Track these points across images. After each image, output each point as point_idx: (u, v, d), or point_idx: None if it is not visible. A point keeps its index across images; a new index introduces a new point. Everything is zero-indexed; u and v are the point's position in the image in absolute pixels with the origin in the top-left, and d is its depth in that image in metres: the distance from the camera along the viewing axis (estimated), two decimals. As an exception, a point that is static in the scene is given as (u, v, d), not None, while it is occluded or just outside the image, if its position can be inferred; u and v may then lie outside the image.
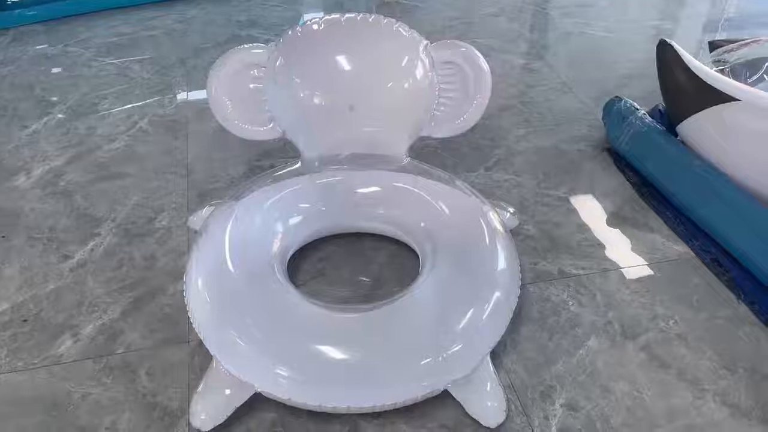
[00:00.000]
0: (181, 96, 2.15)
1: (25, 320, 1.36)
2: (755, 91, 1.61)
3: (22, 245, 1.55)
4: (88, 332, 1.33)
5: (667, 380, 1.25)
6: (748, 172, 1.58)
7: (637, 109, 1.86)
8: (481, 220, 1.37)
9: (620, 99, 1.91)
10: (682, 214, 1.65)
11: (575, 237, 1.60)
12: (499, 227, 1.37)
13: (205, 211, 1.53)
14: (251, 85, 1.44)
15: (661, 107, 1.91)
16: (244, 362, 1.15)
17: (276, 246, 1.37)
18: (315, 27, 1.40)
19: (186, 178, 1.77)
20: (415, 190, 1.42)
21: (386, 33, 1.39)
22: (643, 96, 2.04)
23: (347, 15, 1.39)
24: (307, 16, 2.75)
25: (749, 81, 1.80)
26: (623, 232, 1.62)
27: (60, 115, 2.08)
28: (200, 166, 1.82)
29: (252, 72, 1.43)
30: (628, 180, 1.79)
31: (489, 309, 1.22)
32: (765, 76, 1.79)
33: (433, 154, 1.84)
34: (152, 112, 2.06)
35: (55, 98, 2.18)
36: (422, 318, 1.19)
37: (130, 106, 2.11)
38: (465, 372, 1.16)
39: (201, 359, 1.26)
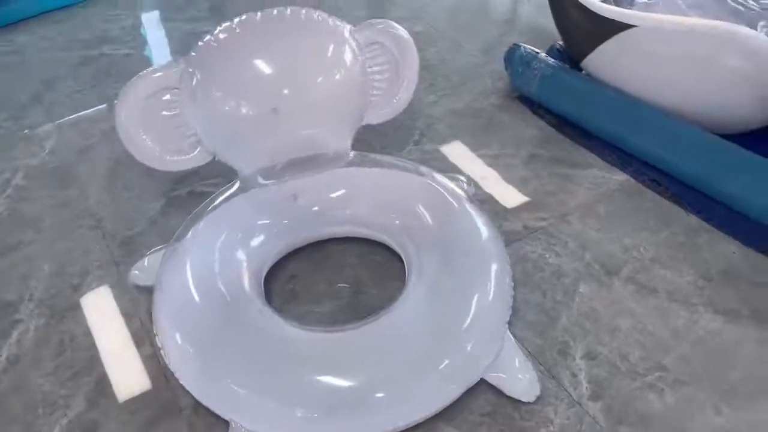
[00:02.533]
0: (52, 138, 1.87)
1: (-31, 445, 1.12)
2: (649, 15, 1.69)
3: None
4: (56, 438, 1.13)
5: (660, 305, 1.31)
6: (658, 92, 1.67)
7: (538, 53, 1.90)
8: (452, 199, 1.32)
9: (519, 46, 1.94)
10: (608, 144, 1.72)
11: (525, 190, 1.61)
12: (468, 200, 1.34)
13: (148, 262, 1.35)
14: (166, 112, 1.27)
15: (558, 46, 1.97)
16: (265, 415, 1.03)
17: (246, 274, 1.24)
18: (228, 32, 1.24)
19: (97, 229, 1.54)
20: (377, 182, 1.34)
21: (308, 25, 1.27)
22: (534, 38, 2.09)
23: (261, 13, 1.25)
24: (150, 19, 2.49)
25: (632, 6, 1.89)
26: (564, 173, 1.65)
27: None
28: (109, 212, 1.59)
29: (165, 97, 1.26)
30: (548, 123, 1.83)
31: (492, 284, 1.19)
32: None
33: (358, 142, 1.75)
34: (24, 164, 1.77)
35: None
36: (430, 317, 1.14)
37: (-9, 163, 1.80)
38: (494, 355, 1.13)
39: (205, 426, 1.12)
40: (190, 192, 1.64)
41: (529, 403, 1.13)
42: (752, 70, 1.53)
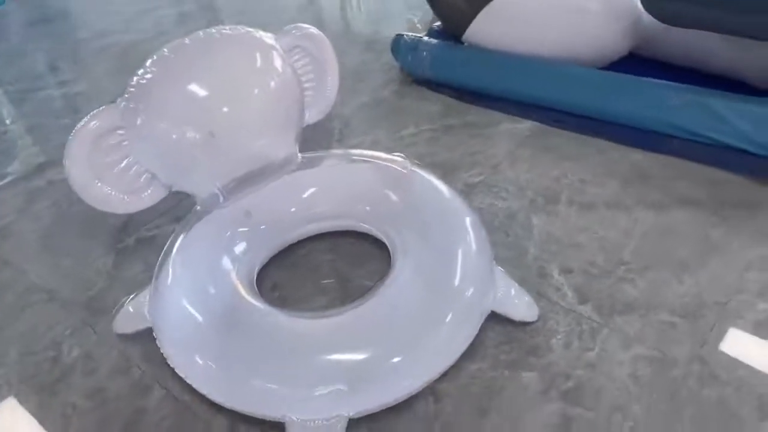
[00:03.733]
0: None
1: None
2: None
3: None
4: (101, 501, 1.07)
5: (603, 215, 1.50)
6: (535, 46, 1.89)
7: (421, 37, 2.06)
8: (406, 173, 1.42)
9: (401, 35, 2.09)
10: (508, 100, 1.91)
11: (454, 155, 1.75)
12: (419, 171, 1.44)
13: (132, 307, 1.31)
14: (115, 155, 1.26)
15: (436, 27, 2.14)
16: (320, 402, 1.06)
17: (239, 283, 1.25)
18: (162, 61, 1.26)
19: (53, 301, 1.46)
20: (338, 176, 1.41)
21: (236, 40, 1.32)
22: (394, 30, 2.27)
23: (189, 37, 1.28)
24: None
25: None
26: (480, 133, 1.82)
27: None
28: (57, 282, 1.51)
29: (108, 142, 1.25)
30: (449, 96, 2.00)
31: (471, 233, 1.29)
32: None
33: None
34: (-63, 261, 1.63)
35: None
36: (426, 280, 1.21)
37: None
38: (491, 292, 1.23)
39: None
40: (138, 239, 1.60)
41: (532, 322, 1.26)
42: (609, 7, 1.79)
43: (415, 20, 2.11)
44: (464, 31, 1.98)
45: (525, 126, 1.82)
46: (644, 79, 1.73)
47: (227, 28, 1.32)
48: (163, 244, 1.56)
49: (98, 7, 2.96)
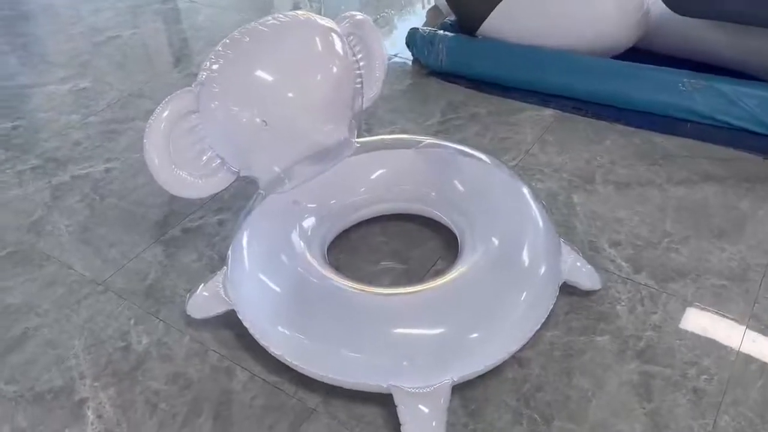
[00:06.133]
0: None
1: None
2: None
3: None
4: (210, 480, 1.08)
5: (637, 192, 1.60)
6: (549, 37, 1.99)
7: (437, 31, 2.12)
8: (463, 156, 1.47)
9: (416, 29, 2.15)
10: (526, 90, 2.00)
11: (484, 141, 1.82)
12: (472, 151, 1.49)
13: (208, 292, 1.31)
14: (190, 138, 1.26)
15: (449, 21, 2.21)
16: (424, 370, 1.11)
17: (312, 258, 1.27)
18: (236, 45, 1.27)
19: (109, 291, 1.44)
20: (406, 161, 1.46)
21: (304, 25, 1.33)
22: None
23: (258, 23, 1.29)
24: None
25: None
26: (506, 121, 1.90)
27: None
28: (107, 273, 1.48)
29: (184, 126, 1.25)
30: (467, 88, 2.06)
31: (535, 210, 1.34)
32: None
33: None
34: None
35: None
36: (499, 262, 1.24)
37: None
38: (561, 266, 1.30)
39: (346, 414, 1.15)
40: (183, 229, 1.59)
41: (596, 291, 1.34)
42: (619, 2, 1.90)
43: (441, 8, 2.16)
44: (479, 25, 2.05)
45: (547, 113, 1.91)
46: (656, 66, 1.85)
47: (295, 13, 1.34)
48: (210, 234, 1.58)
49: (87, 4, 2.88)
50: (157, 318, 1.37)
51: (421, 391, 1.09)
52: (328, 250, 1.46)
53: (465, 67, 2.08)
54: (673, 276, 1.37)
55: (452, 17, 2.22)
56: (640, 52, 1.99)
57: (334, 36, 1.38)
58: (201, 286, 1.33)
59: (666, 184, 1.61)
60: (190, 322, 1.34)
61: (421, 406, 1.09)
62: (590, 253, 1.43)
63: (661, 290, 1.34)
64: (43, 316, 1.39)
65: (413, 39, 2.15)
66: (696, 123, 1.79)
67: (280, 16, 1.33)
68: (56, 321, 1.38)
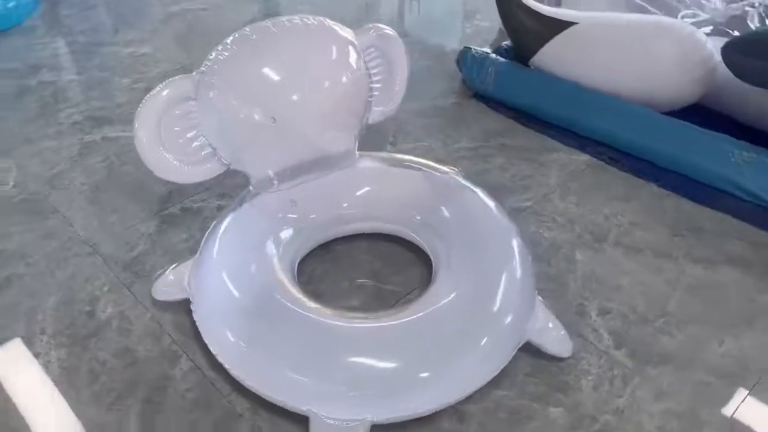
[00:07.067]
0: (12, 171, 1.76)
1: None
2: (586, 13, 1.90)
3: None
4: (119, 462, 1.09)
5: (649, 261, 1.48)
6: (603, 80, 1.87)
7: (489, 54, 2.05)
8: (460, 187, 1.42)
9: (469, 48, 2.09)
10: (566, 130, 1.90)
11: (504, 176, 1.74)
12: (474, 187, 1.44)
13: (173, 275, 1.33)
14: (183, 124, 1.27)
15: (504, 46, 2.14)
16: (347, 403, 1.07)
17: (280, 270, 1.26)
18: (242, 42, 1.27)
19: (96, 255, 1.49)
20: (393, 180, 1.42)
21: (318, 32, 1.32)
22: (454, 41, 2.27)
23: (272, 21, 1.29)
24: (82, 44, 2.40)
25: (562, 5, 2.10)
26: (534, 159, 1.81)
27: None
28: (101, 237, 1.54)
29: (178, 111, 1.26)
30: (507, 117, 1.99)
31: (517, 259, 1.28)
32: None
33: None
34: (-13, 200, 1.66)
35: None
36: (465, 299, 1.20)
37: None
38: (530, 323, 1.22)
39: (270, 426, 1.13)
40: (183, 208, 1.62)
41: (564, 359, 1.25)
42: (684, 55, 1.77)
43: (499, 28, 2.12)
44: (534, 54, 1.97)
45: (580, 159, 1.81)
46: (709, 131, 1.70)
47: (311, 18, 1.33)
48: (207, 217, 1.59)
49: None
50: (129, 291, 1.40)
51: (338, 423, 1.06)
52: (308, 257, 1.45)
53: (510, 95, 2.00)
54: (655, 360, 1.25)
55: (509, 42, 2.14)
56: (697, 107, 1.84)
57: (349, 47, 1.36)
58: (170, 269, 1.35)
59: (683, 259, 1.48)
60: (158, 301, 1.36)
61: (335, 439, 1.06)
62: (574, 316, 1.34)
63: (636, 372, 1.23)
64: (31, 266, 1.46)
65: (464, 58, 2.09)
66: (738, 198, 1.63)
67: (295, 18, 1.32)
68: (40, 273, 1.44)
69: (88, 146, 1.85)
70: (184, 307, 1.31)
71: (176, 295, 1.31)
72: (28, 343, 1.28)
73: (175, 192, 1.67)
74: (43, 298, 1.38)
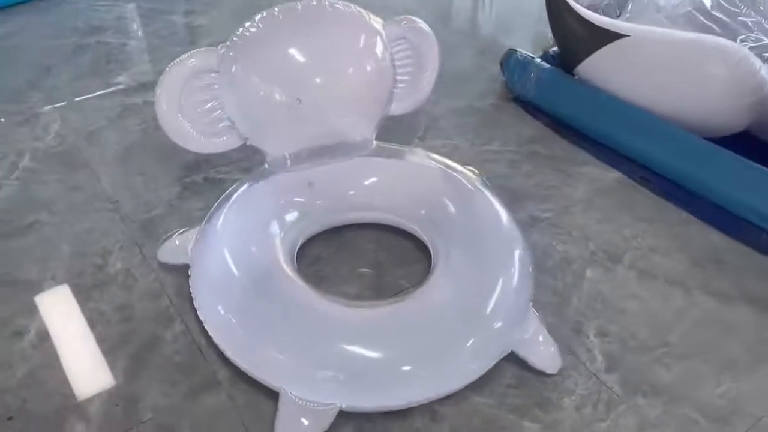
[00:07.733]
0: (55, 122, 1.85)
1: (9, 418, 1.11)
2: (638, 27, 1.83)
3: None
4: (98, 409, 1.14)
5: (661, 288, 1.42)
6: (647, 97, 1.80)
7: (533, 58, 2.01)
8: (472, 188, 1.40)
9: (515, 50, 2.05)
10: (601, 144, 1.84)
11: (528, 183, 1.71)
12: (486, 191, 1.42)
13: (178, 241, 1.37)
14: (204, 96, 1.30)
15: (551, 52, 2.09)
16: (319, 386, 1.08)
17: (280, 250, 1.28)
18: (269, 21, 1.29)
19: (116, 212, 1.55)
20: (402, 172, 1.42)
21: (345, 17, 1.33)
22: (516, 43, 2.21)
23: (301, 3, 1.31)
24: (141, 10, 2.49)
25: (621, 17, 2.03)
26: (563, 169, 1.76)
27: None
28: (124, 195, 1.60)
29: (200, 82, 1.29)
30: (543, 124, 1.94)
31: (516, 267, 1.26)
32: (633, 11, 2.03)
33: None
34: (30, 147, 1.75)
35: None
36: (458, 298, 1.20)
37: (-9, 146, 1.78)
38: (519, 332, 1.20)
39: (245, 397, 1.15)
40: (205, 178, 1.67)
41: (551, 375, 1.22)
42: (734, 80, 1.68)
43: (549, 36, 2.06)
44: (579, 63, 1.91)
45: (611, 175, 1.75)
46: (748, 161, 1.61)
47: (340, 3, 1.34)
48: (226, 189, 1.62)
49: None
50: (140, 250, 1.45)
51: (307, 404, 1.07)
52: (317, 239, 1.46)
53: (549, 102, 1.95)
54: (645, 390, 1.21)
55: (556, 49, 2.09)
56: (743, 135, 1.75)
57: (375, 35, 1.36)
58: (176, 234, 1.39)
59: (698, 291, 1.42)
60: (164, 264, 1.40)
61: (302, 419, 1.07)
62: (570, 333, 1.31)
63: (624, 400, 1.19)
64: (54, 215, 1.54)
65: (508, 60, 2.05)
66: (771, 236, 1.55)
67: (326, 2, 1.33)
68: (62, 223, 1.51)
69: (129, 108, 1.92)
70: (187, 272, 1.35)
71: (179, 260, 1.35)
72: (39, 287, 1.35)
73: (202, 162, 1.71)
74: (59, 246, 1.45)
